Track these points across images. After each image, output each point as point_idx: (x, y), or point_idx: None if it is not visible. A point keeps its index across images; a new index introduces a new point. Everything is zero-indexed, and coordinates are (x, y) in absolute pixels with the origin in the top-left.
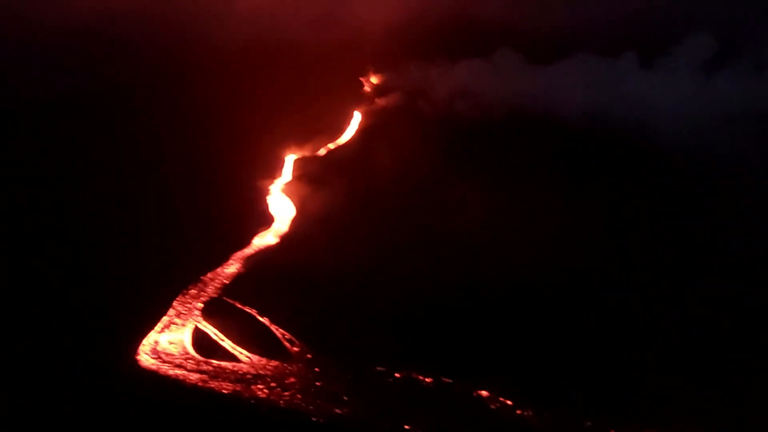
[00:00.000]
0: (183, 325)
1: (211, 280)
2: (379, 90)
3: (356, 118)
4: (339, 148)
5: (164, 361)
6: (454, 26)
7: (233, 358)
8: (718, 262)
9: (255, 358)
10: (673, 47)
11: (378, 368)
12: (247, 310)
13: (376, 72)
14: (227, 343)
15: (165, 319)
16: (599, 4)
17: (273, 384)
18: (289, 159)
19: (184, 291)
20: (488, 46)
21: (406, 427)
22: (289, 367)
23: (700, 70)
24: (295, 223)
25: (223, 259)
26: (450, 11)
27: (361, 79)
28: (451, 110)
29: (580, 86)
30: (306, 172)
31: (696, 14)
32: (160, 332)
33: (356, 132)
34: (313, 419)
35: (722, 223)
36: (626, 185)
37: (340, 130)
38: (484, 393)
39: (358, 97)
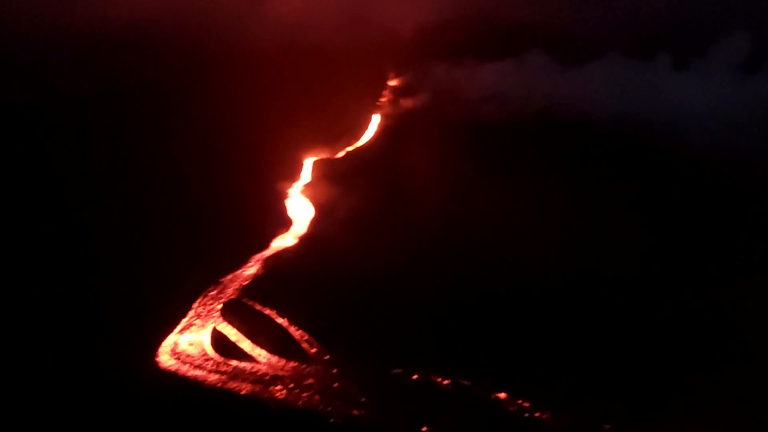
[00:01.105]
0: (202, 326)
1: (231, 281)
2: (404, 91)
3: (379, 121)
4: (360, 150)
5: (183, 362)
6: (484, 27)
7: (252, 359)
8: (743, 269)
9: (273, 359)
10: (709, 48)
11: (396, 370)
12: (266, 311)
13: (401, 73)
14: (246, 344)
15: (185, 320)
16: (632, 4)
17: (291, 385)
18: (309, 161)
19: (204, 292)
20: (518, 47)
21: (424, 429)
22: (307, 369)
23: (736, 71)
24: (314, 224)
25: (242, 261)
26: (480, 12)
27: (385, 81)
28: (477, 113)
29: (612, 88)
30: (326, 174)
31: (732, 14)
32: (179, 333)
33: (378, 134)
34: (331, 420)
35: (754, 230)
36: (658, 190)
37: (362, 133)
38: (501, 395)
39: (382, 100)
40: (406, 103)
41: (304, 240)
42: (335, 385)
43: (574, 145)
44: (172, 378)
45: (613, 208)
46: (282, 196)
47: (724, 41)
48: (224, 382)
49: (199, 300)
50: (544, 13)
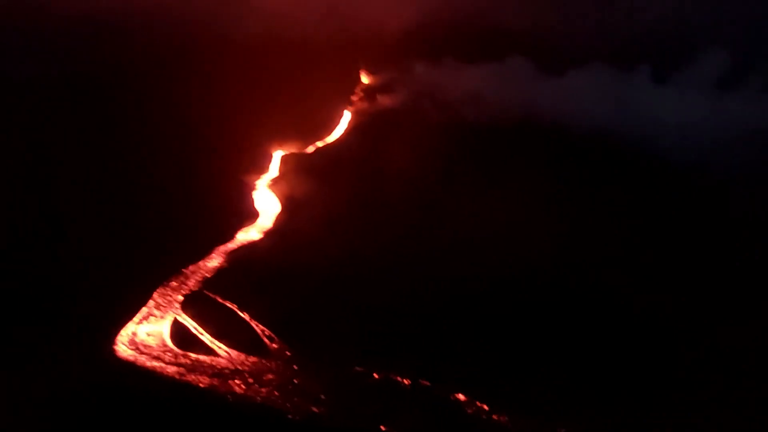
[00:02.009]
0: (162, 317)
1: (193, 273)
2: (382, 89)
3: (352, 117)
4: (332, 146)
5: (142, 353)
6: (467, 30)
7: (212, 352)
8: (720, 279)
9: (233, 353)
10: (688, 63)
11: (356, 368)
12: (228, 304)
13: (380, 71)
14: (206, 337)
15: (144, 310)
16: (615, 16)
17: (250, 380)
18: (278, 155)
19: (165, 283)
20: (500, 52)
21: (382, 428)
22: (268, 364)
23: (713, 87)
24: (280, 219)
25: (205, 253)
26: (463, 14)
27: (363, 78)
28: (455, 114)
29: (591, 98)
30: (295, 169)
31: (712, 30)
32: (138, 323)
33: (352, 131)
34: (289, 417)
35: (728, 241)
36: (632, 200)
37: (334, 129)
38: (461, 396)
39: (358, 97)
40: (384, 100)
41: (270, 234)
42: (295, 381)
43: (550, 152)
44: (130, 368)
45: (587, 214)
46: (249, 189)
47: (703, 57)
48: (182, 375)
49: (160, 290)
50: (527, 20)
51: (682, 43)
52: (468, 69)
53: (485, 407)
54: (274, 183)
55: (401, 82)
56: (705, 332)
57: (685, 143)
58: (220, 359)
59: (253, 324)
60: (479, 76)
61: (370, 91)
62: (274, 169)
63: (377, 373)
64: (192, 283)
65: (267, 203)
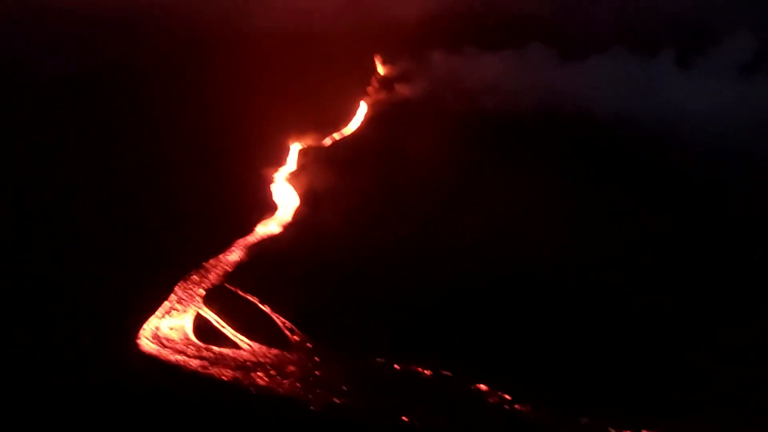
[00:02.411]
0: (184, 311)
1: (214, 267)
2: (400, 79)
3: (369, 109)
4: (351, 138)
5: (165, 347)
6: (486, 17)
7: (234, 345)
8: (736, 270)
9: (255, 345)
10: (712, 47)
11: (377, 359)
12: (249, 297)
13: (399, 61)
14: (228, 330)
15: (166, 304)
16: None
17: (272, 372)
18: (295, 148)
19: (186, 277)
20: (520, 39)
21: (404, 418)
22: (289, 356)
23: (739, 71)
24: (299, 212)
25: (226, 247)
26: (482, 1)
27: (380, 68)
28: (475, 103)
29: (613, 84)
30: (313, 162)
31: (736, 14)
32: (161, 317)
33: (371, 123)
34: (312, 408)
35: (754, 231)
36: (656, 188)
37: (351, 120)
38: (482, 387)
39: (375, 87)
40: (401, 90)
41: (289, 227)
42: (317, 373)
43: (572, 140)
44: (153, 362)
45: (610, 204)
46: (268, 183)
47: (728, 41)
48: (205, 368)
49: (181, 284)
50: (547, 6)
51: (707, 27)
52: (487, 57)
53: (507, 397)
54: (293, 176)
55: (419, 72)
56: (705, 332)
57: (710, 128)
58: (242, 352)
59: (275, 316)
60: (499, 64)
61: (387, 82)
62: (292, 162)
63: (398, 364)
64: (213, 277)
65: (286, 196)
